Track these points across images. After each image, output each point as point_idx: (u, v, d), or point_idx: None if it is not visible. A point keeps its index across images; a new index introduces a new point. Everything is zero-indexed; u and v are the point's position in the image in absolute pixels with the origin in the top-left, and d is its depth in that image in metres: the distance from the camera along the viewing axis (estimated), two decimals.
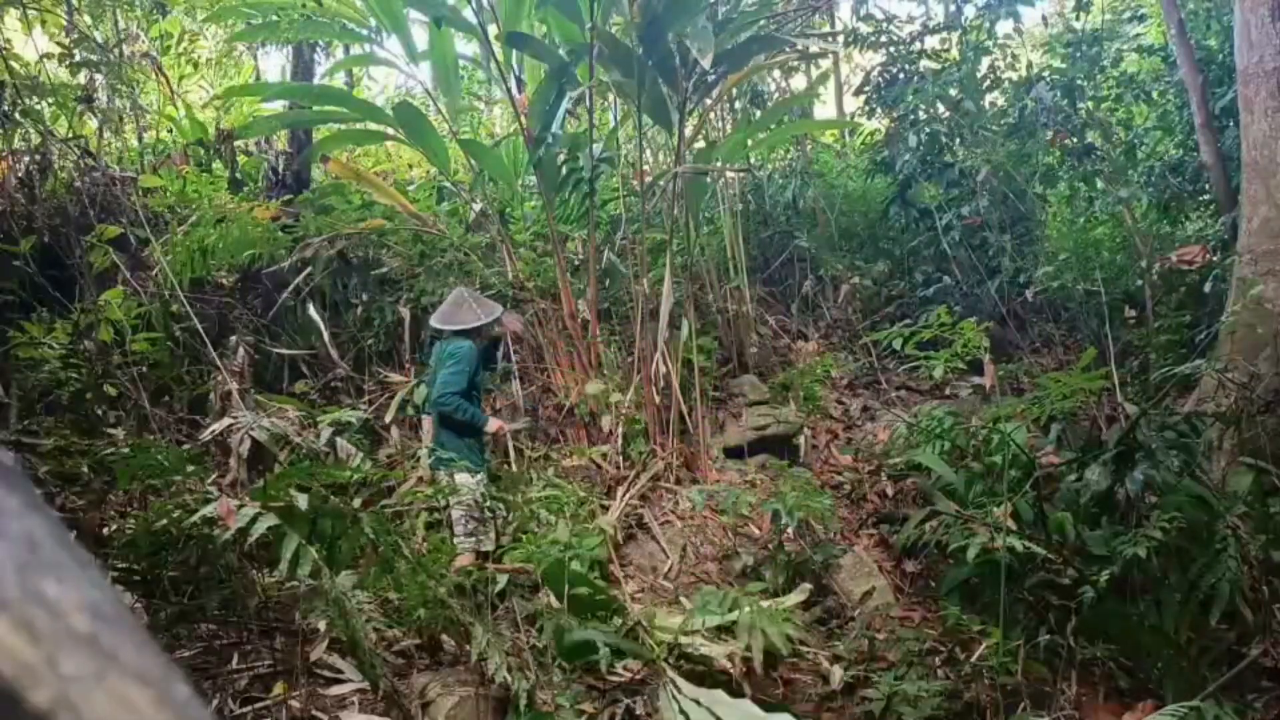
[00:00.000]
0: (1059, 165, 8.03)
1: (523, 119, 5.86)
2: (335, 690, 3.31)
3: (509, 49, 5.91)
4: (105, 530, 3.80)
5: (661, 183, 6.35)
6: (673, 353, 5.80)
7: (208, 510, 2.89)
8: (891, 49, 8.48)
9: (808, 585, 4.46)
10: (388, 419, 5.65)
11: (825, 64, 10.41)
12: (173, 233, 5.57)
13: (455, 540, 4.27)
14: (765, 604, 3.95)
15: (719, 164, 6.60)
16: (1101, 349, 5.70)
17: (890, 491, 5.82)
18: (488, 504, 4.08)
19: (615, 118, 6.89)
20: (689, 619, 3.93)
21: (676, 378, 5.79)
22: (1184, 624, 3.75)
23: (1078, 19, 9.05)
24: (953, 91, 8.15)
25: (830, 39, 9.07)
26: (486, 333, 4.92)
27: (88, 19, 6.51)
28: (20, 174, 5.54)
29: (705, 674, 3.69)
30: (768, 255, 9.12)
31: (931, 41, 8.53)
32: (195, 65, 8.18)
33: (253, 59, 10.03)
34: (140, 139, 7.01)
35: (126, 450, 3.38)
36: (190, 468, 3.51)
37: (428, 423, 4.96)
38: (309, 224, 6.34)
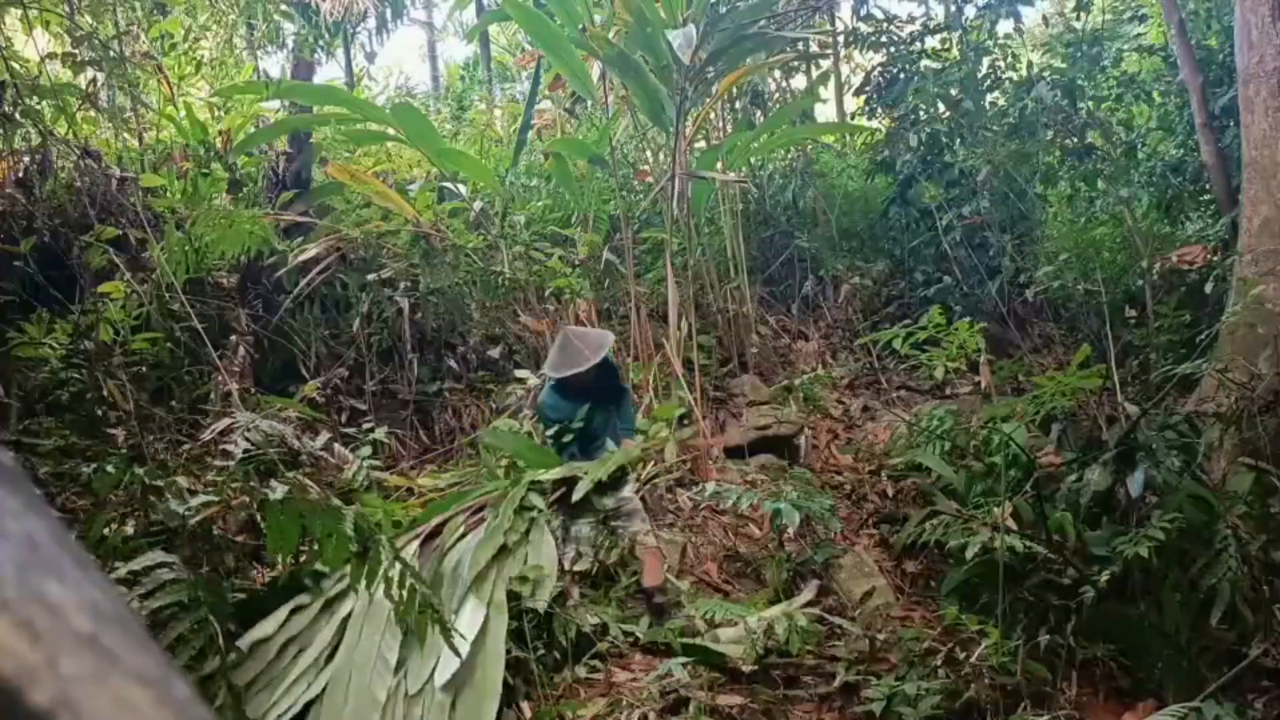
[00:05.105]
0: (1059, 165, 8.02)
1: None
2: None
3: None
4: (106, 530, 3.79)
5: (659, 185, 6.35)
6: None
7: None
8: (892, 49, 8.48)
9: (816, 581, 4.47)
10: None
11: (825, 64, 10.40)
12: (169, 234, 5.56)
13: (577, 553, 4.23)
14: (777, 607, 3.96)
15: (720, 166, 6.59)
16: (1102, 349, 5.70)
17: (890, 491, 5.81)
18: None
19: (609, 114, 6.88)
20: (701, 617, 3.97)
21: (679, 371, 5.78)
22: (1184, 624, 3.75)
23: (1078, 19, 9.06)
24: (953, 91, 8.15)
25: (828, 37, 9.06)
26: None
27: (89, 19, 6.49)
28: (20, 174, 5.53)
29: (715, 668, 3.70)
30: (768, 255, 9.11)
31: (931, 41, 8.53)
32: (198, 65, 8.16)
33: (253, 59, 10.02)
34: (140, 139, 6.99)
35: (110, 469, 3.37)
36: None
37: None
38: (310, 228, 6.33)
